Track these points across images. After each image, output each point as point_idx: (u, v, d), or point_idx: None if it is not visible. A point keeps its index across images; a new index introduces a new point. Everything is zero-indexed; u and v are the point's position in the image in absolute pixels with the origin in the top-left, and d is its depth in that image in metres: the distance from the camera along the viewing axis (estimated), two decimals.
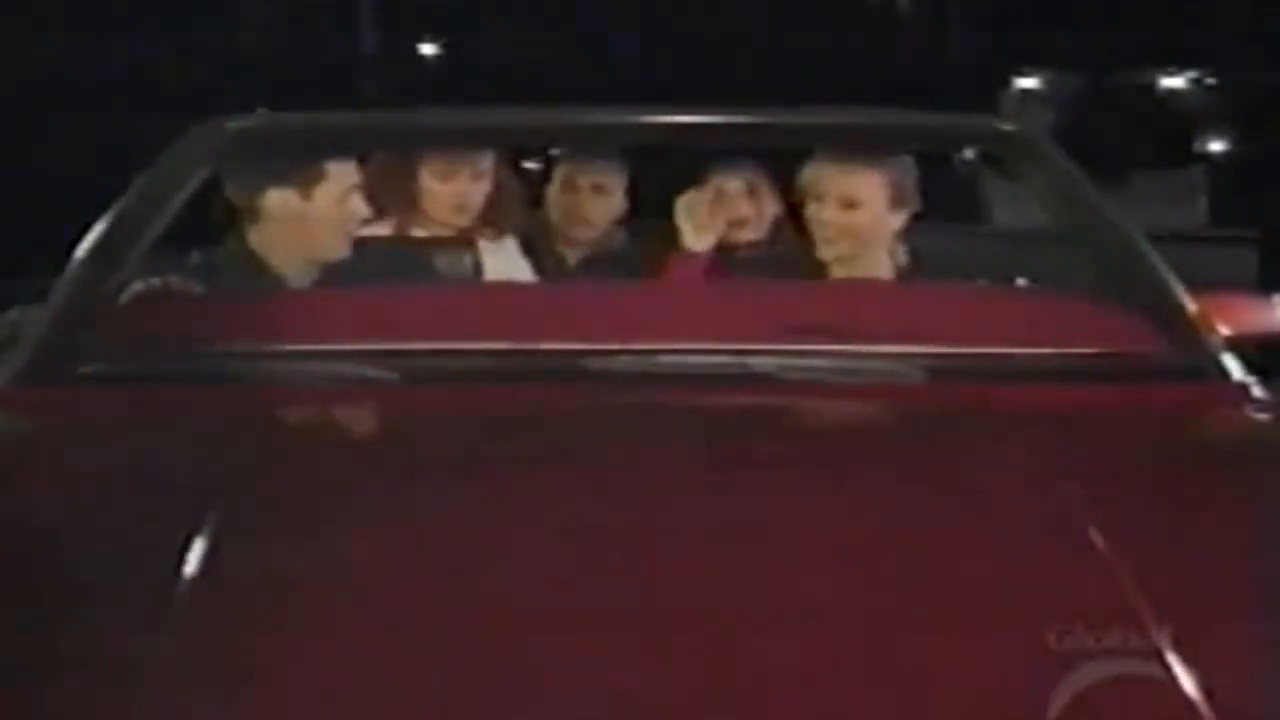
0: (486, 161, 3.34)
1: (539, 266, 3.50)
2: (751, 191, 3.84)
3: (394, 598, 1.42)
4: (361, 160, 2.94)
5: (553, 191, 3.72)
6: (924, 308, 2.33)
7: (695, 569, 1.46)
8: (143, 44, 15.91)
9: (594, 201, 3.67)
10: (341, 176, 2.79)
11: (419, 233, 3.40)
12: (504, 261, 3.37)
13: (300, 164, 2.75)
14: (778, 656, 1.34)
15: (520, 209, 3.51)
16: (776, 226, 3.86)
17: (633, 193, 3.76)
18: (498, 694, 1.30)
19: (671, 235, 3.43)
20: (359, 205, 2.82)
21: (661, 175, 4.20)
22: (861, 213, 3.00)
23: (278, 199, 2.76)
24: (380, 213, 3.18)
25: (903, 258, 3.06)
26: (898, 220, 3.01)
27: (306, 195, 2.76)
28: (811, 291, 2.59)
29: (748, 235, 3.77)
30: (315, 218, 2.76)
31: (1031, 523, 1.58)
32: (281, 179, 2.75)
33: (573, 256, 3.72)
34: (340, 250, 2.79)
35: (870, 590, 1.44)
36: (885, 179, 2.98)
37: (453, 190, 3.35)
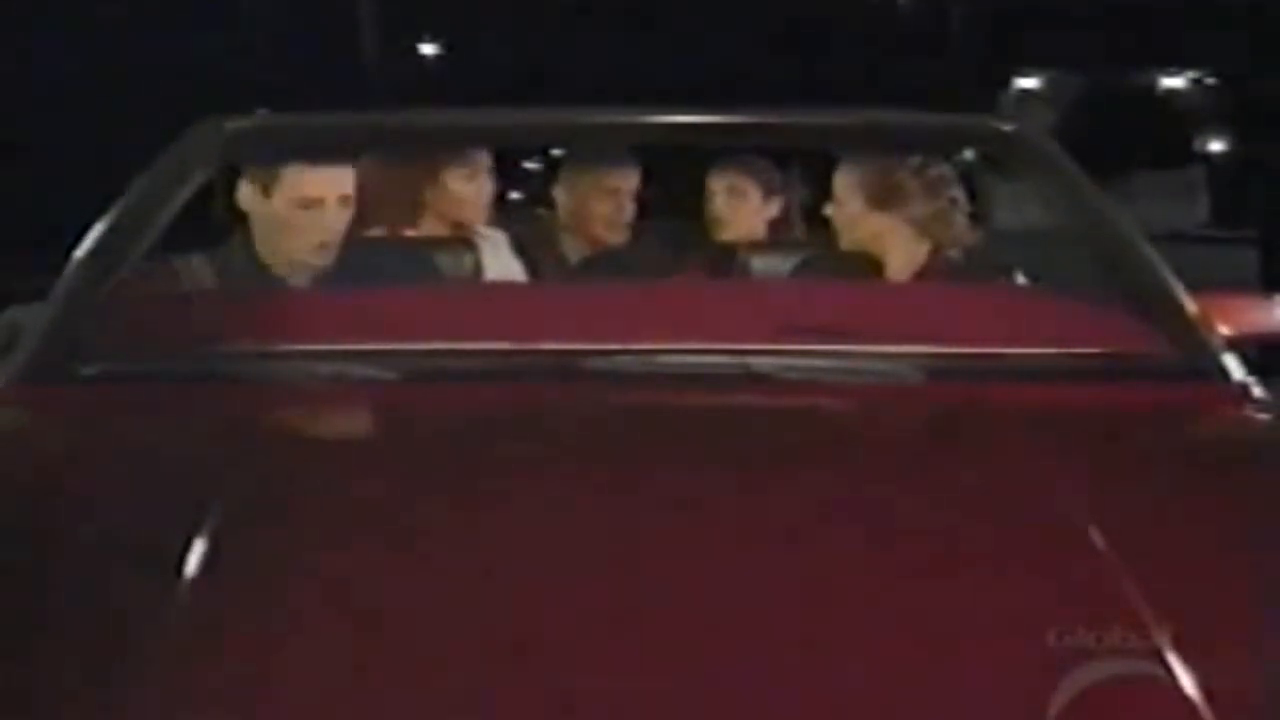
0: (487, 156, 3.43)
1: (534, 266, 3.52)
2: (732, 192, 3.86)
3: (394, 597, 1.42)
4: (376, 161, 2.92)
5: (578, 195, 3.72)
6: (923, 308, 2.33)
7: (695, 569, 1.46)
8: (143, 42, 15.92)
9: (629, 205, 3.69)
10: (305, 184, 2.73)
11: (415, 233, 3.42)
12: (498, 261, 3.39)
13: (263, 166, 2.72)
14: (777, 656, 1.34)
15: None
16: (773, 227, 3.88)
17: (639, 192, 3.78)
18: (497, 694, 1.30)
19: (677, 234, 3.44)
20: (336, 214, 2.76)
21: (663, 175, 4.20)
22: (837, 210, 3.09)
23: (247, 197, 2.76)
24: (386, 218, 3.19)
25: (951, 254, 3.09)
26: (880, 220, 3.03)
27: (267, 195, 2.74)
28: (811, 291, 2.59)
29: (727, 235, 3.79)
30: (276, 220, 2.73)
31: (1031, 522, 1.58)
32: (250, 177, 2.75)
33: (574, 256, 3.73)
34: (317, 256, 2.74)
35: (869, 590, 1.44)
36: (862, 179, 3.03)
37: (475, 189, 3.42)
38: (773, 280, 3.06)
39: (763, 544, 1.52)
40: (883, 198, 3.03)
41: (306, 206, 2.73)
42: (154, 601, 1.39)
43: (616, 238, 3.68)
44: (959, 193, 3.08)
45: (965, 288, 2.81)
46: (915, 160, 3.02)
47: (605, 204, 3.65)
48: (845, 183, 3.07)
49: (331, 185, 2.74)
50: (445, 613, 1.40)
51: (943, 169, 3.07)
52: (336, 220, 2.76)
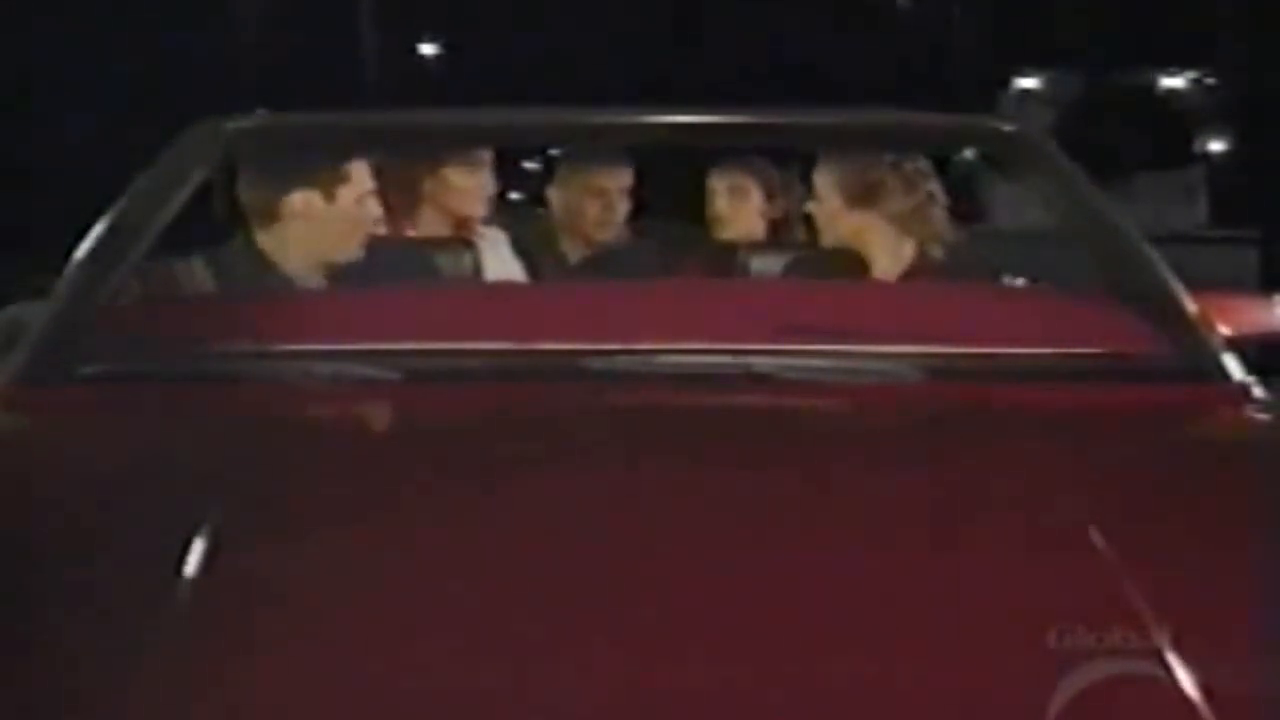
0: (488, 153, 3.47)
1: (534, 265, 3.53)
2: (734, 191, 3.87)
3: (394, 598, 1.43)
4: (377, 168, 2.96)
5: (570, 194, 3.73)
6: (924, 308, 2.33)
7: (695, 568, 1.46)
8: (142, 41, 15.92)
9: (620, 204, 3.71)
10: (360, 178, 2.80)
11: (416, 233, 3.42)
12: (498, 260, 3.41)
13: (323, 165, 2.76)
14: (777, 656, 1.34)
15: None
16: (774, 228, 3.89)
17: (636, 192, 3.79)
18: (497, 695, 1.30)
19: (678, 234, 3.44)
20: (374, 207, 2.84)
21: (661, 174, 4.21)
22: (818, 207, 3.12)
23: (302, 200, 2.76)
24: (390, 215, 3.21)
25: (934, 251, 3.09)
26: (860, 217, 3.05)
27: (330, 197, 2.77)
28: (811, 291, 2.59)
29: (728, 234, 3.80)
30: (337, 219, 2.77)
31: (1031, 522, 1.58)
32: (305, 180, 2.76)
33: (574, 256, 3.73)
34: (355, 251, 2.80)
35: (870, 590, 1.44)
36: (840, 177, 3.05)
37: (477, 183, 3.45)
38: (773, 280, 3.06)
39: (762, 544, 1.52)
40: (861, 194, 3.04)
41: (365, 199, 2.81)
42: (154, 601, 1.39)
43: (608, 236, 3.69)
44: (936, 187, 3.08)
45: (966, 288, 2.81)
46: (891, 155, 3.03)
47: (595, 203, 3.66)
48: (824, 180, 3.09)
49: (369, 177, 2.84)
50: (445, 612, 1.40)
51: (919, 163, 3.07)
52: (376, 209, 2.86)
